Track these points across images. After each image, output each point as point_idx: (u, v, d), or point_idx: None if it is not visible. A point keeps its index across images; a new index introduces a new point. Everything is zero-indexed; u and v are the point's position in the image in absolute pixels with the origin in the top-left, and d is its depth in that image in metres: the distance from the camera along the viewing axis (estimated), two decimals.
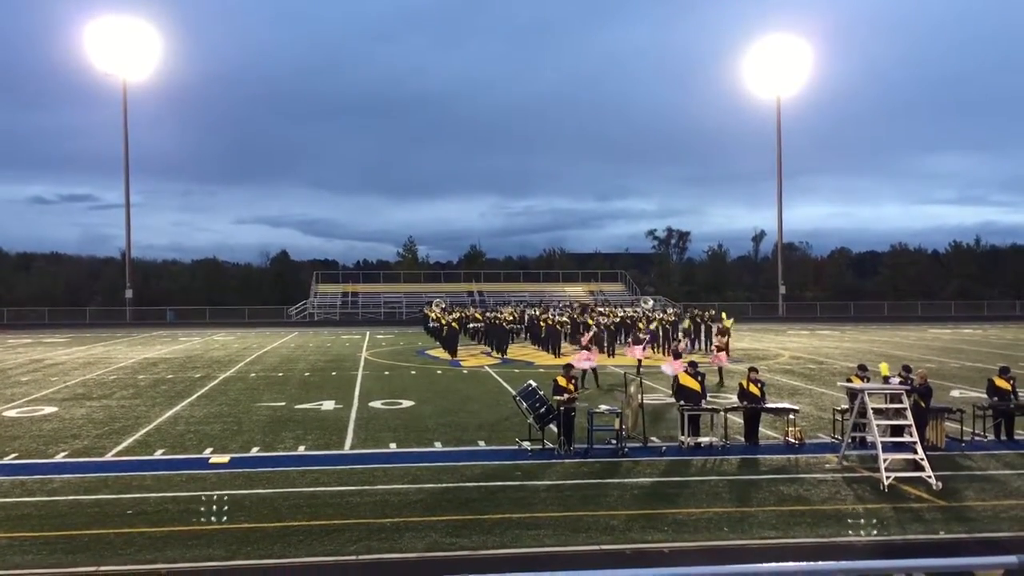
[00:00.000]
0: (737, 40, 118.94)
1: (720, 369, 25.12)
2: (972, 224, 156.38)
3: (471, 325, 42.83)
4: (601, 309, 45.81)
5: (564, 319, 38.71)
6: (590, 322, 35.54)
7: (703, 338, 37.33)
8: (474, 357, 34.01)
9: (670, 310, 47.15)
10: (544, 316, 39.18)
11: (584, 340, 25.82)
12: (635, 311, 46.30)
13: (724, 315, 35.98)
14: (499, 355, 34.36)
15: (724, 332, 31.21)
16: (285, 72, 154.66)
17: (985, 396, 17.17)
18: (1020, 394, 16.95)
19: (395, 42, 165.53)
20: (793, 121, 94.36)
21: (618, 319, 38.90)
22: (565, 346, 35.30)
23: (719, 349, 26.77)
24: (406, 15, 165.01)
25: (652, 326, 35.60)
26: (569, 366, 16.78)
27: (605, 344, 34.11)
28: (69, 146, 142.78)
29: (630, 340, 31.47)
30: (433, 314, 45.68)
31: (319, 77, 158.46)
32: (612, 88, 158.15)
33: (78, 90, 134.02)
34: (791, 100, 74.97)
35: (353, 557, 9.71)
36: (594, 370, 23.89)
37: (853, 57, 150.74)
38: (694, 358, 20.97)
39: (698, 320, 38.15)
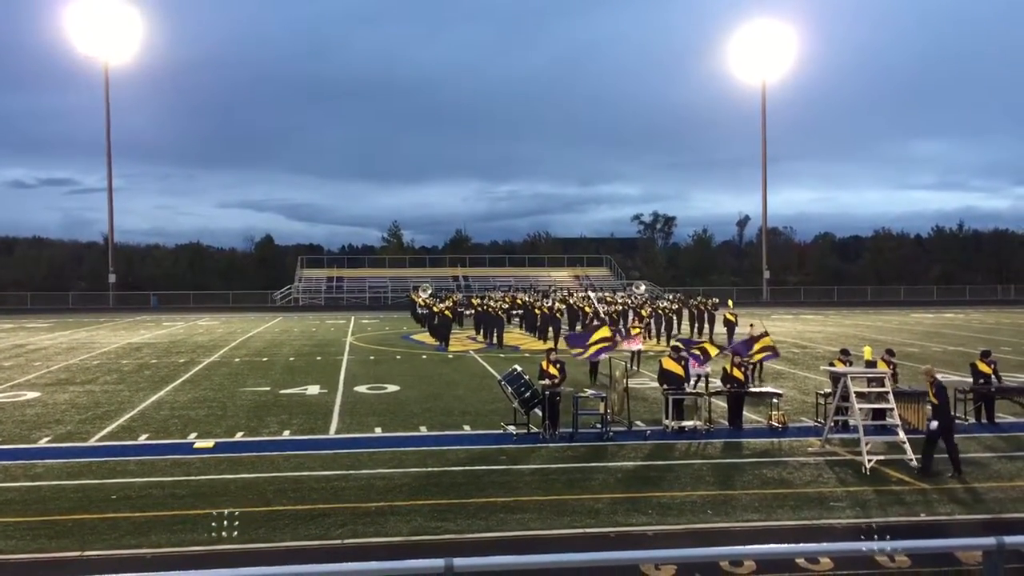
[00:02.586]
0: (722, 25, 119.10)
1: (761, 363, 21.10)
2: (952, 209, 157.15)
3: (467, 312, 41.78)
4: (592, 296, 45.52)
5: (562, 306, 38.23)
6: (587, 310, 35.29)
7: (706, 326, 36.28)
8: (459, 342, 33.95)
9: (670, 297, 46.60)
10: (537, 303, 38.53)
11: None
12: (630, 297, 46.12)
13: (730, 303, 35.20)
14: (486, 341, 34.07)
15: (732, 323, 30.97)
16: (268, 56, 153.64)
17: (970, 380, 17.30)
18: (1002, 377, 17.13)
19: (379, 26, 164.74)
20: (777, 107, 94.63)
21: (619, 306, 38.37)
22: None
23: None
24: None
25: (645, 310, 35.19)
26: (552, 350, 16.83)
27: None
28: (49, 129, 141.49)
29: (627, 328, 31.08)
30: (419, 299, 45.46)
31: (302, 61, 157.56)
32: (596, 73, 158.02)
33: (58, 72, 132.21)
34: (775, 86, 75.17)
35: (339, 541, 9.72)
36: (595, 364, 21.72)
37: (836, 44, 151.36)
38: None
39: (701, 308, 37.76)
